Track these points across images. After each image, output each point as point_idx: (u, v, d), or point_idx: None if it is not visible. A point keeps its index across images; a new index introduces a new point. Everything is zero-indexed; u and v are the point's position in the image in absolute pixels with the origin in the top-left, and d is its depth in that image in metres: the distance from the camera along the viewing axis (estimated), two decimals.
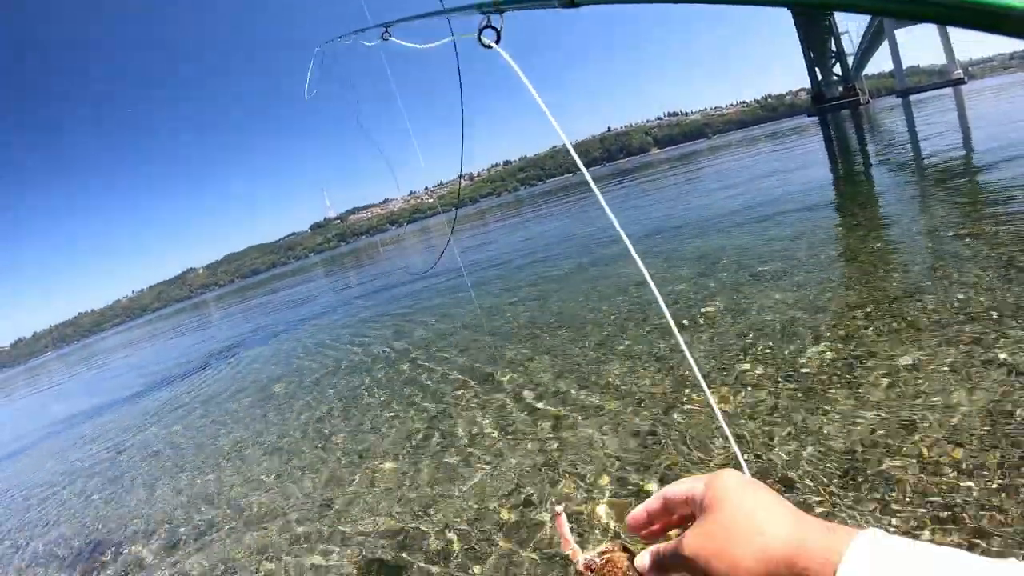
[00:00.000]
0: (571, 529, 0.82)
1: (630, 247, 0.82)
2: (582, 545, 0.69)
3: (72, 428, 9.35)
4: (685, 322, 4.88)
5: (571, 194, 41.70)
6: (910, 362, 3.14)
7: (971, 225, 5.44)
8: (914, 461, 2.36)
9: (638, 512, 0.60)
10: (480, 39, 1.10)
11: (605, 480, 2.92)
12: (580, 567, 0.86)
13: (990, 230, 5.09)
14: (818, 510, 2.24)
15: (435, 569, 2.65)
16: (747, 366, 3.70)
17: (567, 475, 3.07)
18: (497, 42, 1.10)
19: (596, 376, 4.28)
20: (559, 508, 0.88)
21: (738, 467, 0.60)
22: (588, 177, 0.86)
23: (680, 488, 0.56)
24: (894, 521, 2.09)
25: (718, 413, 0.79)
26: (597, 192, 0.86)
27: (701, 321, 4.81)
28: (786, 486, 2.43)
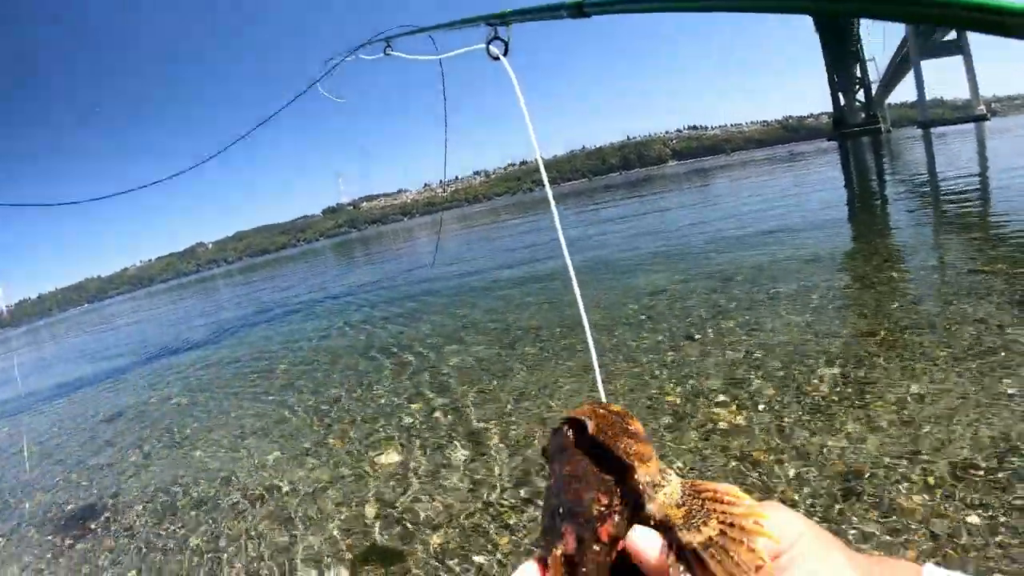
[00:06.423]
0: None
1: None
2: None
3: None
4: (697, 336, 4.96)
5: (584, 200, 41.74)
6: (919, 391, 3.21)
7: (986, 263, 5.49)
8: (918, 488, 2.42)
9: None
10: (488, 50, 1.10)
11: None
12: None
13: (1005, 269, 5.14)
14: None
15: None
16: (758, 383, 3.78)
17: None
18: (505, 54, 1.10)
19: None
20: None
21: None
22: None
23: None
24: (895, 544, 2.16)
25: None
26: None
27: (712, 336, 4.88)
28: (790, 505, 2.50)
